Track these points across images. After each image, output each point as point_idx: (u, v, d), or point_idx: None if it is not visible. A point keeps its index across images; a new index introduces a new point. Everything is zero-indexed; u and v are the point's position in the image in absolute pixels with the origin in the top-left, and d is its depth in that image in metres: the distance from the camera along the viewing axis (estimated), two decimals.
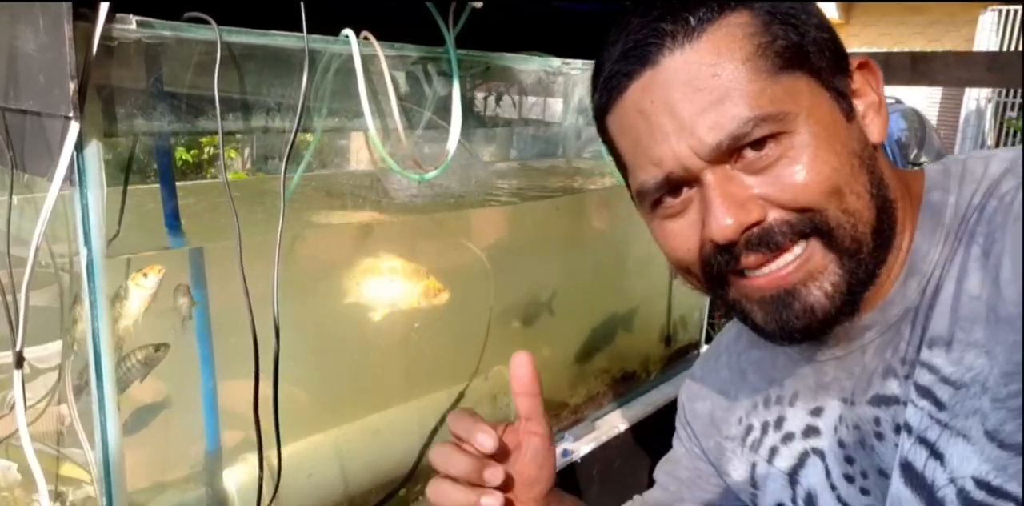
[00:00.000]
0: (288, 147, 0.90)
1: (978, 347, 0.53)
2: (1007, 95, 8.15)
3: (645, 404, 1.76)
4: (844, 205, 0.55)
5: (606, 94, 0.59)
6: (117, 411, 0.81)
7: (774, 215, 0.55)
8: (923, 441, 0.55)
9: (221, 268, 0.97)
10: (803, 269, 0.56)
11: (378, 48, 0.96)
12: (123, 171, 0.96)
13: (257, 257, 0.88)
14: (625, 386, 1.82)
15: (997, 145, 7.90)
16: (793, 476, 0.68)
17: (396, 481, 1.25)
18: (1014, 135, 7.91)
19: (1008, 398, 0.51)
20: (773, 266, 0.56)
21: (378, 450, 1.24)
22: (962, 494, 0.53)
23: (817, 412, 0.66)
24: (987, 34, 7.97)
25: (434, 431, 1.28)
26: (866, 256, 0.56)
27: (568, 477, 1.45)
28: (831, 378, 0.64)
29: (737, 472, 0.74)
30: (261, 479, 0.96)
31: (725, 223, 0.54)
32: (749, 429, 0.72)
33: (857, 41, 7.93)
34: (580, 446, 1.51)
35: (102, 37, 0.71)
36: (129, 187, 0.96)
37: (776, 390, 0.70)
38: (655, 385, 1.87)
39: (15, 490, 0.96)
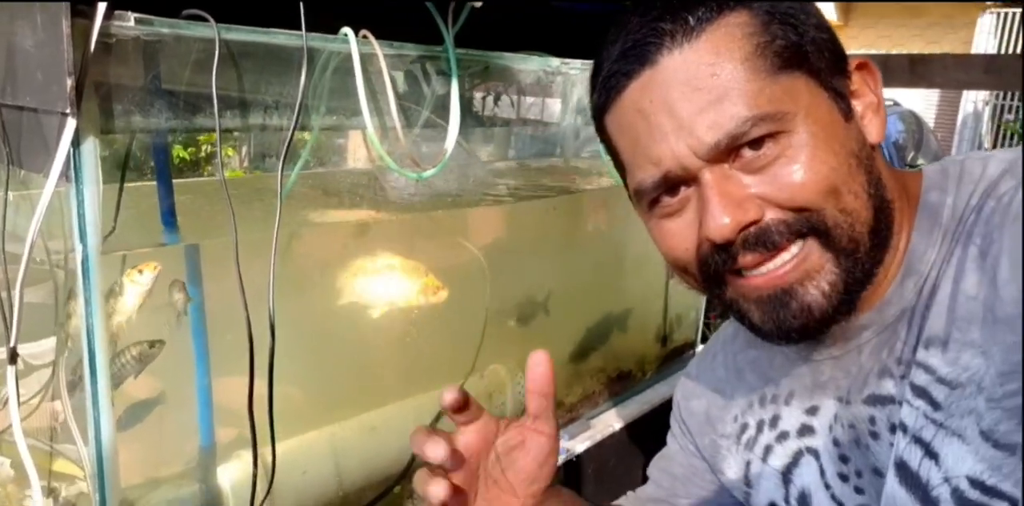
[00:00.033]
0: (286, 145, 0.90)
1: (974, 347, 0.53)
2: (1004, 98, 8.17)
3: (641, 403, 1.76)
4: (841, 205, 0.55)
5: (605, 93, 0.59)
6: (111, 407, 0.81)
7: (771, 215, 0.55)
8: (918, 441, 0.55)
9: (217, 265, 0.97)
10: (800, 268, 0.56)
11: (377, 47, 0.96)
12: (119, 168, 0.96)
13: (254, 255, 0.88)
14: (621, 385, 1.82)
15: (994, 147, 7.92)
16: (787, 475, 0.68)
17: (391, 478, 1.25)
18: (1011, 137, 7.93)
19: (1004, 398, 0.51)
20: (771, 265, 0.56)
21: (373, 447, 1.24)
22: (956, 493, 0.53)
23: (813, 411, 0.66)
24: (985, 36, 7.99)
25: None
26: (863, 256, 0.56)
27: (564, 475, 1.46)
28: (827, 377, 0.65)
29: (732, 470, 0.74)
30: (255, 476, 0.96)
31: (722, 222, 0.54)
32: (744, 427, 0.73)
33: (856, 43, 7.94)
34: (576, 445, 1.52)
35: (100, 34, 0.71)
36: (126, 184, 0.95)
37: (772, 389, 0.70)
38: (651, 384, 1.87)
39: (8, 486, 0.96)
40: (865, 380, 0.61)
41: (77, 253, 0.76)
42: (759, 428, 0.71)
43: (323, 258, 1.24)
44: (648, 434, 0.87)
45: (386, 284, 1.20)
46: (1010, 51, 7.86)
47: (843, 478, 0.64)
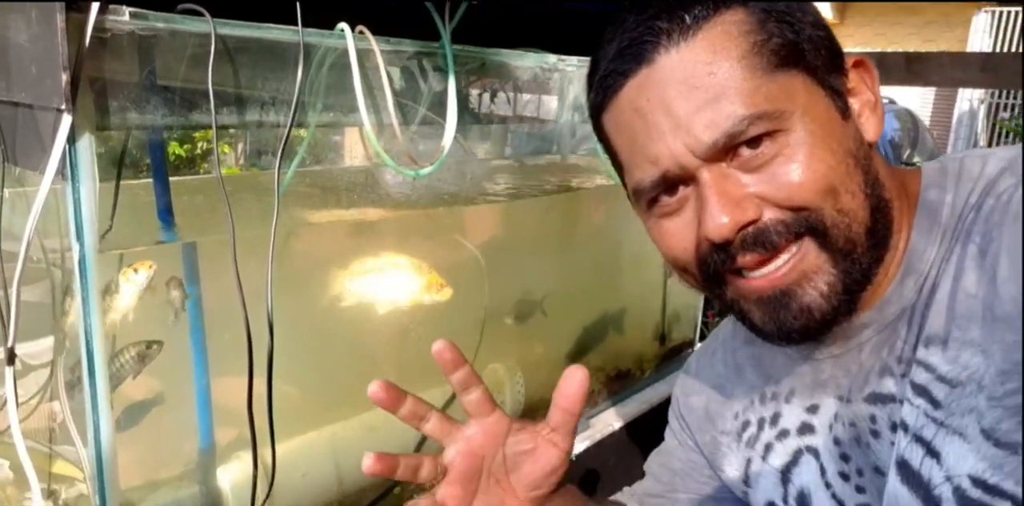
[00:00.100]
0: (283, 142, 0.89)
1: (974, 346, 0.53)
2: (1000, 96, 8.19)
3: (639, 402, 1.76)
4: (839, 204, 0.55)
5: (602, 92, 0.59)
6: (110, 408, 0.80)
7: (769, 214, 0.55)
8: (919, 439, 0.55)
9: (215, 263, 0.97)
10: (797, 269, 0.56)
11: (374, 42, 0.95)
12: (116, 165, 0.95)
13: (251, 252, 0.88)
14: (619, 384, 1.82)
15: (989, 146, 7.94)
16: (786, 474, 0.68)
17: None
18: (1007, 136, 7.95)
19: (1004, 396, 0.51)
20: (770, 267, 0.56)
21: (373, 448, 1.23)
22: (958, 492, 0.53)
23: (813, 409, 0.66)
24: (980, 35, 8.00)
25: None
26: (860, 256, 0.56)
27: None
28: (828, 376, 0.64)
29: (732, 467, 0.74)
30: (255, 477, 0.95)
31: (721, 221, 0.54)
32: (746, 425, 0.72)
33: (852, 41, 7.95)
34: (575, 444, 1.51)
35: (95, 28, 0.70)
36: (122, 182, 0.95)
37: (772, 387, 0.70)
38: (649, 383, 1.87)
39: (7, 488, 0.95)
40: (866, 378, 0.61)
41: (74, 251, 0.75)
42: (760, 425, 0.71)
43: (320, 256, 1.24)
44: (648, 433, 0.87)
45: (391, 282, 1.19)
46: (1005, 49, 7.87)
47: (844, 477, 0.64)
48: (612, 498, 0.84)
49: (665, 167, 0.56)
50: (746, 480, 0.73)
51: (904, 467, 0.56)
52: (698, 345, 2.10)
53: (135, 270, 0.87)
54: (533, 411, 1.54)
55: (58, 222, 0.78)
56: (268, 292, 0.88)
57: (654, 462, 0.84)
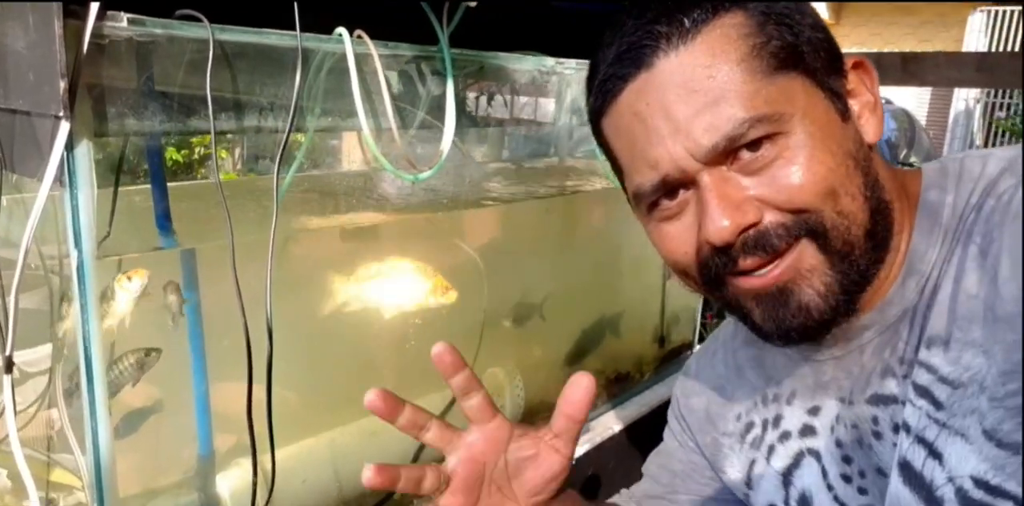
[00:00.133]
0: (281, 147, 0.89)
1: (976, 346, 0.53)
2: (996, 95, 8.21)
3: (639, 405, 1.76)
4: (839, 207, 0.55)
5: (601, 97, 0.59)
6: (108, 415, 0.80)
7: (770, 217, 0.55)
8: (921, 440, 0.55)
9: (214, 269, 0.97)
10: (793, 267, 0.56)
11: (372, 47, 0.95)
12: (113, 171, 0.95)
13: (249, 259, 0.88)
14: (619, 387, 1.82)
15: (986, 145, 7.97)
16: (787, 477, 0.68)
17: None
18: (1003, 135, 7.97)
19: (1006, 397, 0.51)
20: (771, 268, 0.56)
21: (373, 453, 1.23)
22: (960, 493, 0.52)
23: (814, 411, 0.66)
24: (976, 35, 8.03)
25: None
26: (858, 257, 0.56)
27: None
28: (829, 377, 0.64)
29: (734, 469, 0.74)
30: (255, 484, 0.95)
31: (722, 225, 0.54)
32: (750, 426, 0.72)
33: (848, 41, 7.97)
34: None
35: (93, 35, 0.70)
36: (120, 187, 0.95)
37: (774, 388, 0.70)
38: (649, 386, 1.87)
39: (5, 497, 0.95)
40: (868, 380, 0.61)
41: (72, 258, 0.75)
42: (764, 427, 0.70)
43: (320, 260, 1.24)
44: (648, 436, 0.86)
45: (395, 286, 1.19)
46: (1001, 49, 7.89)
47: (846, 479, 0.64)
48: (610, 500, 0.83)
49: (665, 171, 0.56)
50: (748, 482, 0.72)
51: (906, 468, 0.56)
52: (697, 347, 2.10)
53: (128, 278, 0.87)
54: (533, 415, 1.53)
55: (56, 229, 0.78)
56: (267, 298, 0.88)
57: (653, 463, 0.84)
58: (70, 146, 0.72)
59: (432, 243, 1.39)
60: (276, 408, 0.91)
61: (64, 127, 0.70)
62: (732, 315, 0.62)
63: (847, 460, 0.63)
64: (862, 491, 0.63)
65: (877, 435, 0.60)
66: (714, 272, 0.57)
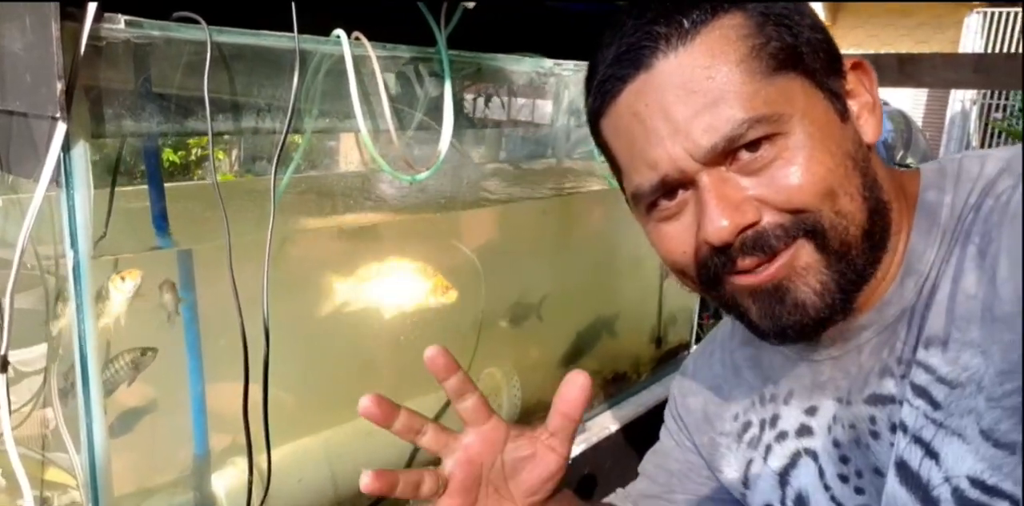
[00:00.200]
0: (279, 148, 0.89)
1: (974, 347, 0.53)
2: (992, 97, 8.24)
3: (636, 405, 1.76)
4: (837, 207, 0.55)
5: (600, 98, 0.59)
6: (103, 414, 0.80)
7: (768, 218, 0.55)
8: (918, 440, 0.55)
9: (211, 270, 0.96)
10: (789, 264, 0.56)
11: (369, 48, 0.95)
12: (110, 172, 0.95)
13: (247, 259, 0.88)
14: (616, 387, 1.82)
15: (982, 146, 7.98)
16: (784, 477, 0.68)
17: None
18: (999, 136, 7.99)
19: (1003, 397, 0.51)
20: (768, 266, 0.56)
21: (369, 453, 1.23)
22: (957, 493, 0.53)
23: (811, 411, 0.66)
24: (972, 36, 8.05)
25: None
26: (855, 257, 0.56)
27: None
28: (827, 377, 0.64)
29: (731, 468, 0.74)
30: (251, 483, 0.95)
31: (721, 225, 0.54)
32: (747, 426, 0.72)
33: (844, 43, 7.98)
34: (572, 447, 1.51)
35: (90, 37, 0.70)
36: (117, 188, 0.95)
37: (771, 388, 0.70)
38: (646, 386, 1.87)
39: (0, 495, 0.95)
40: (865, 380, 0.61)
41: (68, 259, 0.75)
42: (761, 427, 0.71)
43: (316, 261, 1.24)
44: (644, 436, 0.87)
45: (398, 286, 1.19)
46: (997, 50, 7.92)
47: (843, 479, 0.64)
48: (606, 500, 0.83)
49: (664, 171, 0.56)
50: (745, 481, 0.72)
51: (903, 468, 0.56)
52: (694, 348, 2.10)
53: (122, 278, 0.87)
54: (530, 415, 1.53)
55: (52, 229, 0.78)
56: (264, 298, 0.88)
57: (650, 463, 0.84)
58: (67, 147, 0.72)
59: (430, 244, 1.39)
60: (272, 408, 0.90)
61: (61, 128, 0.70)
62: (729, 314, 0.62)
63: (844, 460, 0.63)
64: (859, 491, 0.63)
65: (874, 435, 0.60)
66: (712, 272, 0.58)
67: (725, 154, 0.54)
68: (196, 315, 1.01)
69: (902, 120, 4.14)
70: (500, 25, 1.21)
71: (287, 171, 1.04)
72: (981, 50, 7.84)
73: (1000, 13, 7.91)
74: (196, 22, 0.80)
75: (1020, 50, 7.83)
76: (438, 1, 1.03)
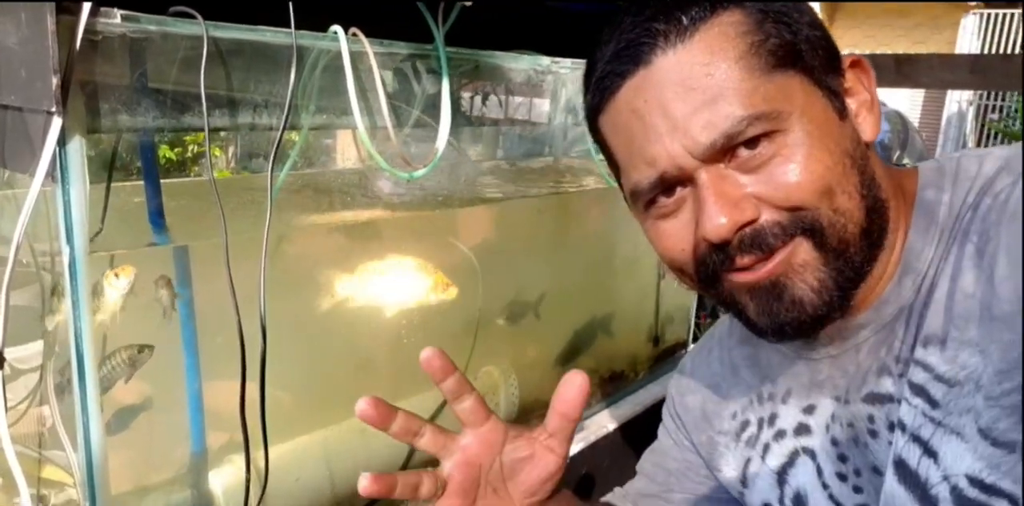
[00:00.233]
0: (275, 145, 0.89)
1: (972, 345, 0.53)
2: (989, 98, 8.26)
3: (633, 404, 1.76)
4: (835, 205, 0.55)
5: (599, 94, 0.59)
6: (100, 412, 0.79)
7: (767, 215, 0.55)
8: (917, 439, 0.55)
9: (208, 266, 0.96)
10: (786, 261, 0.56)
11: (367, 45, 0.95)
12: (106, 168, 0.95)
13: (243, 256, 0.87)
14: (613, 386, 1.82)
15: (978, 147, 8.00)
16: (782, 475, 0.68)
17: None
18: (996, 137, 8.02)
19: (1001, 396, 0.51)
20: (765, 263, 0.56)
21: (367, 451, 1.23)
22: (955, 492, 0.53)
23: (809, 410, 0.66)
24: (969, 37, 8.07)
25: None
26: (853, 255, 0.56)
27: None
28: (825, 376, 0.64)
29: (729, 467, 0.74)
30: (248, 481, 0.95)
31: (719, 222, 0.54)
32: (745, 424, 0.72)
33: (841, 43, 7.92)
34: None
35: (86, 31, 0.70)
36: (113, 184, 0.94)
37: (769, 387, 0.70)
38: (643, 385, 1.87)
39: None
40: (864, 379, 0.61)
41: (64, 254, 0.75)
42: (759, 425, 0.71)
43: (313, 259, 1.23)
44: (642, 435, 0.87)
45: (398, 283, 1.19)
46: (994, 51, 7.94)
47: (841, 477, 0.64)
48: (604, 499, 0.83)
49: (663, 168, 0.56)
50: (743, 480, 0.72)
51: (901, 467, 0.56)
52: (691, 346, 2.10)
53: (116, 274, 0.87)
54: (528, 413, 1.53)
55: (48, 225, 0.77)
56: (261, 295, 0.88)
57: (648, 462, 0.84)
58: (62, 142, 0.72)
59: (427, 241, 1.39)
60: (270, 406, 0.90)
61: (56, 123, 0.70)
62: (727, 311, 0.62)
63: (842, 458, 0.63)
64: (857, 490, 0.63)
65: (873, 434, 0.60)
66: (711, 269, 0.57)
67: (724, 151, 0.54)
68: (193, 312, 1.01)
69: (899, 121, 4.15)
70: (497, 23, 1.21)
71: (284, 168, 1.04)
72: (978, 51, 7.86)
73: (997, 14, 7.93)
74: (193, 17, 0.80)
75: (1017, 51, 7.86)
76: None
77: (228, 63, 0.85)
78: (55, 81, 0.68)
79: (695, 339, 2.12)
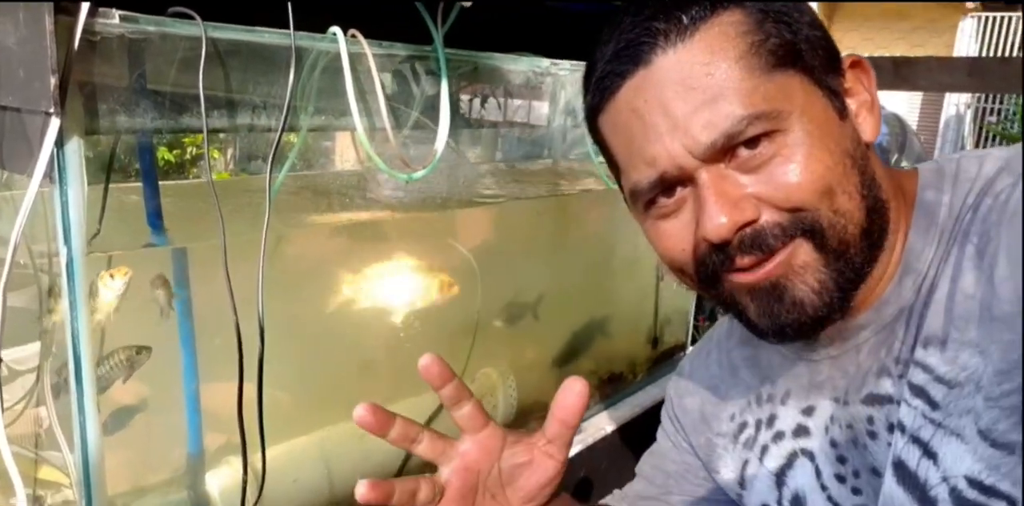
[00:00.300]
0: (274, 146, 0.89)
1: (972, 346, 0.53)
2: (987, 101, 8.28)
3: (632, 406, 1.76)
4: (836, 206, 0.55)
5: (599, 94, 0.59)
6: (97, 413, 0.79)
7: (767, 216, 0.55)
8: (916, 440, 0.55)
9: (206, 268, 0.96)
10: (786, 263, 0.56)
11: (366, 46, 0.95)
12: (104, 169, 0.94)
13: (241, 258, 0.87)
14: (612, 388, 1.82)
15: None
16: (780, 477, 0.68)
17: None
18: (994, 140, 8.03)
19: (1001, 397, 0.51)
20: (765, 264, 0.56)
21: (365, 453, 1.23)
22: (955, 493, 0.52)
23: (809, 411, 0.66)
24: (967, 40, 8.09)
25: None
26: (854, 256, 0.56)
27: None
28: (825, 377, 0.64)
29: (727, 469, 0.74)
30: (245, 482, 0.94)
31: (719, 222, 0.54)
32: (743, 426, 0.72)
33: (840, 46, 7.95)
34: None
35: (84, 31, 0.70)
36: (111, 185, 0.94)
37: (768, 388, 0.70)
38: (642, 386, 1.87)
39: None
40: (863, 380, 0.61)
41: (61, 255, 0.75)
42: (757, 427, 0.70)
43: (311, 260, 1.23)
44: (640, 437, 0.87)
45: (401, 284, 1.19)
46: (992, 54, 7.96)
47: (840, 479, 0.63)
48: (603, 502, 0.83)
49: (663, 168, 0.56)
50: (741, 482, 0.72)
51: (900, 468, 0.56)
52: (690, 348, 2.10)
53: (111, 275, 0.87)
54: (526, 415, 1.53)
55: (46, 226, 0.77)
56: (259, 296, 0.87)
57: (646, 464, 0.84)
58: (60, 143, 0.72)
59: (426, 243, 1.39)
60: (267, 407, 0.90)
61: (54, 123, 0.70)
62: (727, 312, 0.62)
63: (841, 460, 0.63)
64: (856, 491, 0.63)
65: (872, 435, 0.60)
66: (711, 270, 0.57)
67: (724, 151, 0.54)
68: (191, 313, 1.01)
69: (897, 123, 4.15)
70: (497, 24, 1.21)
71: (282, 169, 1.04)
72: (976, 54, 7.88)
73: (995, 17, 7.95)
74: (191, 18, 0.80)
75: (1015, 54, 7.87)
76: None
77: (227, 64, 0.85)
78: (53, 82, 0.68)
79: (694, 341, 2.12)
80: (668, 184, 0.57)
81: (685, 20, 0.55)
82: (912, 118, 7.82)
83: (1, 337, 0.75)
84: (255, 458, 0.94)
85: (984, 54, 7.96)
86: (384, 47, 0.99)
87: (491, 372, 1.52)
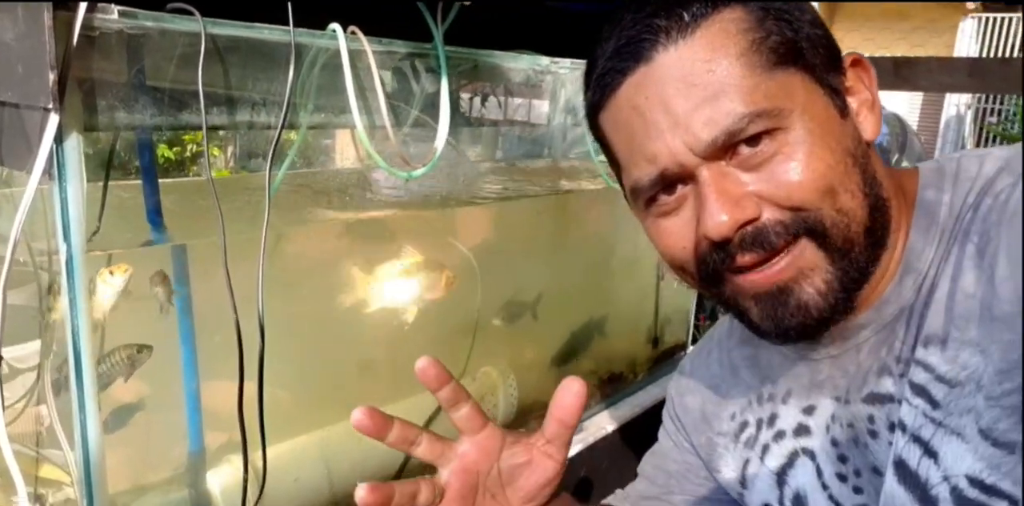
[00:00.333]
0: (273, 144, 0.88)
1: (973, 345, 0.53)
2: (987, 101, 8.28)
3: (632, 405, 1.76)
4: (838, 204, 0.54)
5: (599, 91, 0.59)
6: (97, 411, 0.79)
7: (768, 214, 0.55)
8: (917, 439, 0.55)
9: (205, 265, 0.96)
10: (794, 266, 0.55)
11: (365, 43, 0.95)
12: (104, 166, 0.94)
13: (241, 256, 0.87)
14: (612, 387, 1.82)
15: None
16: (781, 476, 0.68)
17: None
18: (994, 140, 8.03)
19: (1002, 396, 0.51)
20: (771, 264, 0.56)
21: (364, 452, 1.23)
22: (955, 492, 0.52)
23: (809, 411, 0.65)
24: (967, 40, 8.09)
25: None
26: (858, 255, 0.56)
27: None
28: (825, 376, 0.64)
29: (728, 468, 0.74)
30: (246, 481, 0.94)
31: (720, 219, 0.54)
32: (744, 425, 0.72)
33: (840, 46, 8.00)
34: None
35: (83, 27, 0.70)
36: (111, 182, 0.94)
37: (769, 387, 0.70)
38: (642, 386, 1.87)
39: None
40: (864, 379, 0.61)
41: (61, 252, 0.74)
42: (758, 426, 0.70)
43: (311, 258, 1.23)
44: (641, 436, 0.87)
45: (403, 282, 1.19)
46: (992, 54, 7.96)
47: (841, 478, 0.63)
48: (604, 501, 0.83)
49: (664, 165, 0.56)
50: (742, 481, 0.72)
51: (901, 467, 0.56)
52: (690, 348, 2.10)
53: (111, 272, 0.86)
54: (526, 414, 1.53)
55: (45, 223, 0.77)
56: (259, 294, 0.87)
57: (648, 464, 0.84)
58: (59, 139, 0.71)
59: (425, 241, 1.39)
60: (268, 405, 0.90)
61: (53, 120, 0.69)
62: (728, 312, 0.62)
63: (842, 459, 0.63)
64: (857, 490, 0.62)
65: (873, 434, 0.60)
66: (712, 268, 0.57)
67: (725, 148, 0.54)
68: (191, 311, 1.00)
69: (897, 123, 4.15)
70: (497, 22, 1.20)
71: (282, 167, 1.04)
72: (976, 54, 7.88)
73: (995, 17, 7.95)
74: (191, 14, 0.79)
75: (1015, 54, 7.88)
76: None
77: (226, 60, 0.85)
78: (52, 77, 0.68)
79: (694, 341, 2.12)
80: (669, 181, 0.57)
81: (686, 17, 0.55)
82: (912, 118, 7.83)
83: (1, 335, 0.75)
84: (256, 457, 0.94)
85: (984, 55, 7.96)
86: (384, 44, 0.99)
87: (491, 371, 1.51)
